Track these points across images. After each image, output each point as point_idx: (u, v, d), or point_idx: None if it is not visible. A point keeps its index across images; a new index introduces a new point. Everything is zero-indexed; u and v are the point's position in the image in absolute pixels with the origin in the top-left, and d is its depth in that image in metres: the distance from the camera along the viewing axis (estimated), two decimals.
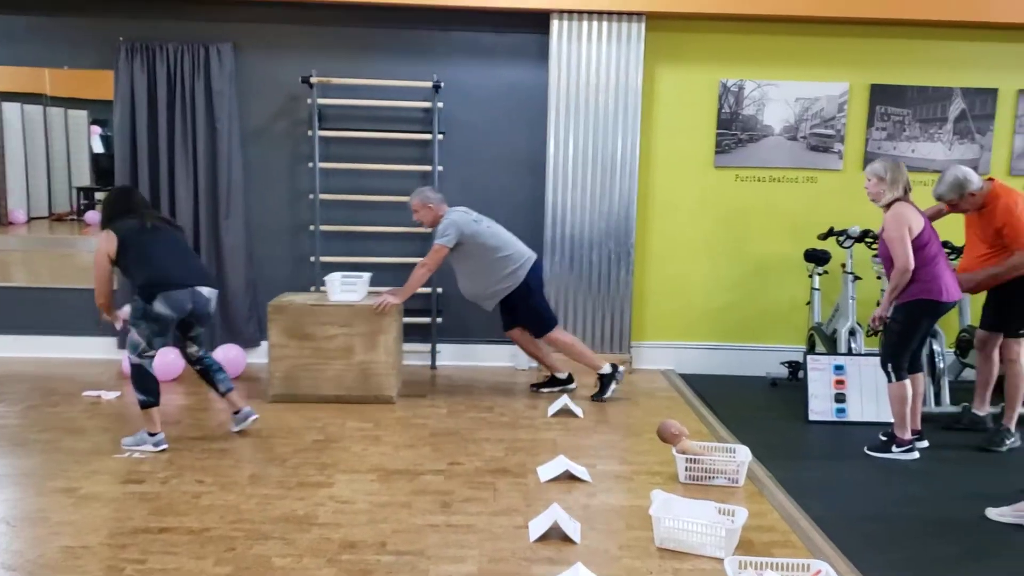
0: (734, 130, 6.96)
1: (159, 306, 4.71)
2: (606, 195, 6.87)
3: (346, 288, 6.05)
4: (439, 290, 6.99)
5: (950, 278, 5.07)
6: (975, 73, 6.95)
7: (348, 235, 6.93)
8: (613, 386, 6.19)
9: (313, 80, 6.66)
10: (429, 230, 6.24)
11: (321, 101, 6.74)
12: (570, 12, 6.65)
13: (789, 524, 4.03)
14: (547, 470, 4.59)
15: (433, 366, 7.08)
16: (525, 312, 6.16)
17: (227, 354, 6.48)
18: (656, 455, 4.93)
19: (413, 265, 6.71)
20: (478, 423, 5.56)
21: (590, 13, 6.66)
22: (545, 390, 6.38)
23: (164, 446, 4.87)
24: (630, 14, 6.65)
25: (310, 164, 6.81)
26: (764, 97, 6.92)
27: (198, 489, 4.29)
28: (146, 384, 4.83)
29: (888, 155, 6.85)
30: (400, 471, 4.61)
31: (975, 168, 6.93)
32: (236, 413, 5.17)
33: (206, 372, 5.15)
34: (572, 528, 3.79)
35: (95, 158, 7.20)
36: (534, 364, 7.08)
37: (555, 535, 3.76)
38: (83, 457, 4.74)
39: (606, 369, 6.20)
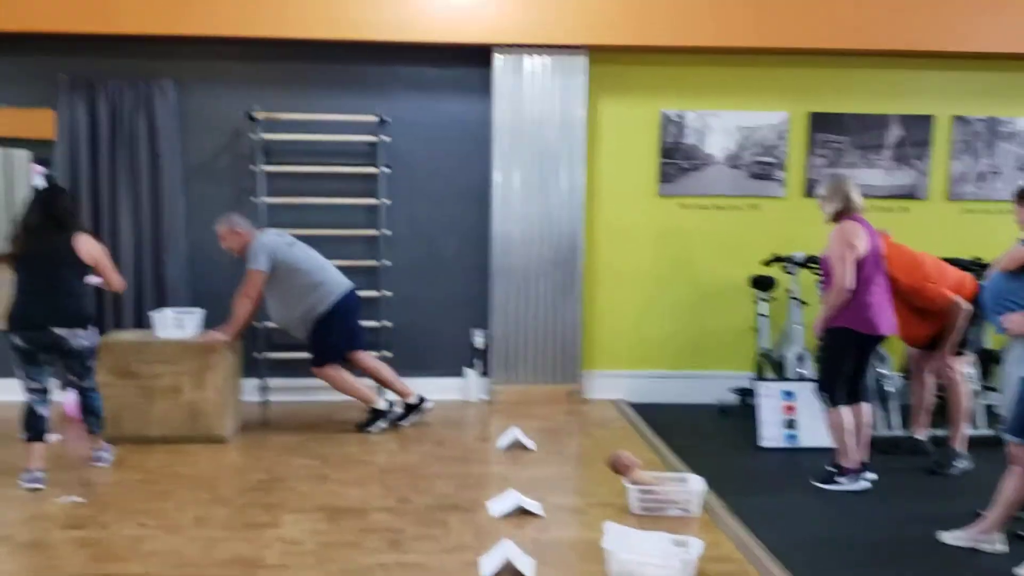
0: (677, 159, 7.04)
1: (15, 339, 4.82)
2: (553, 225, 6.90)
3: (175, 324, 5.91)
4: (388, 323, 6.93)
5: (883, 309, 5.00)
6: (911, 100, 7.11)
7: None
8: (381, 424, 6.11)
9: (257, 115, 6.61)
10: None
11: (265, 136, 6.70)
12: (512, 46, 6.69)
13: (744, 553, 4.02)
14: (498, 505, 4.53)
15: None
16: (314, 335, 5.99)
17: None
18: (608, 487, 4.89)
19: (362, 299, 6.68)
20: (428, 458, 5.50)
21: (532, 47, 6.71)
22: (405, 422, 6.25)
23: (34, 485, 4.78)
24: (572, 47, 6.72)
25: (254, 199, 6.74)
26: (706, 127, 7.01)
27: (140, 533, 4.18)
28: (29, 421, 4.89)
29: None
30: (349, 509, 4.53)
31: (914, 193, 7.11)
32: (94, 449, 5.25)
33: (82, 408, 5.20)
34: (525, 564, 3.75)
35: None
36: (483, 397, 7.05)
37: (507, 572, 3.71)
38: (20, 503, 4.59)
39: (381, 405, 6.13)
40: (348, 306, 6.05)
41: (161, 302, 6.64)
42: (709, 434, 6.26)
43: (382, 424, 6.13)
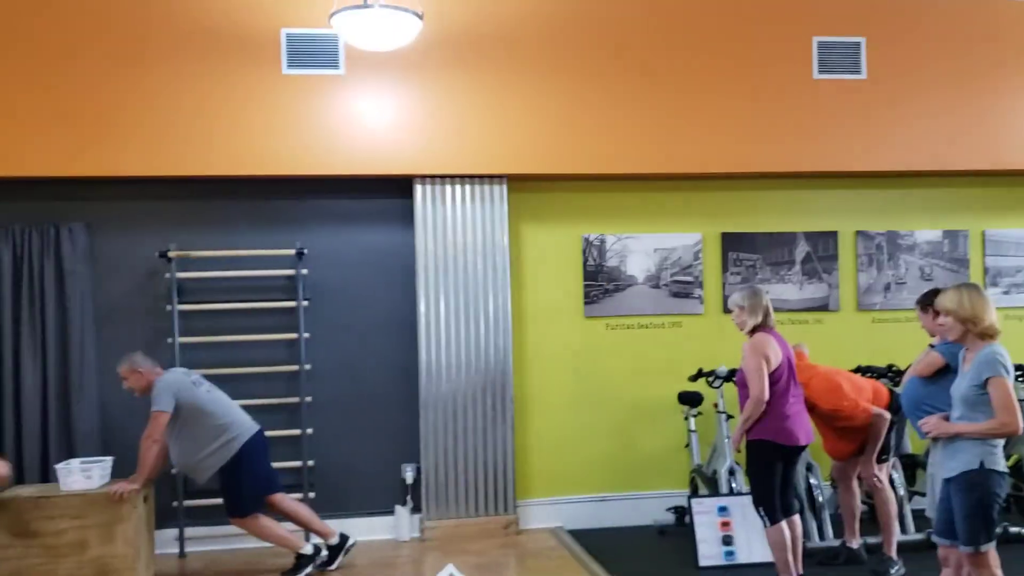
0: (600, 281, 7.15)
1: None
2: (481, 351, 6.84)
3: (82, 475, 5.61)
4: (311, 463, 6.70)
5: (800, 419, 5.10)
6: (816, 218, 7.43)
7: None
8: (308, 570, 5.85)
9: (171, 254, 6.48)
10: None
11: (180, 275, 6.55)
12: (432, 177, 6.77)
13: None
14: None
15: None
16: (226, 484, 5.76)
17: None
18: None
19: (284, 438, 6.49)
20: None
21: (452, 177, 6.79)
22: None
23: None
24: (492, 177, 6.83)
25: (169, 340, 6.53)
26: (625, 249, 7.17)
27: None
28: None
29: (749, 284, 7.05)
30: None
31: (826, 305, 7.34)
32: None
33: None
34: None
35: None
36: (416, 535, 6.80)
37: None
38: None
39: (307, 550, 5.88)
40: (256, 448, 5.82)
41: (70, 452, 6.29)
42: (648, 556, 6.16)
43: (309, 570, 5.84)
